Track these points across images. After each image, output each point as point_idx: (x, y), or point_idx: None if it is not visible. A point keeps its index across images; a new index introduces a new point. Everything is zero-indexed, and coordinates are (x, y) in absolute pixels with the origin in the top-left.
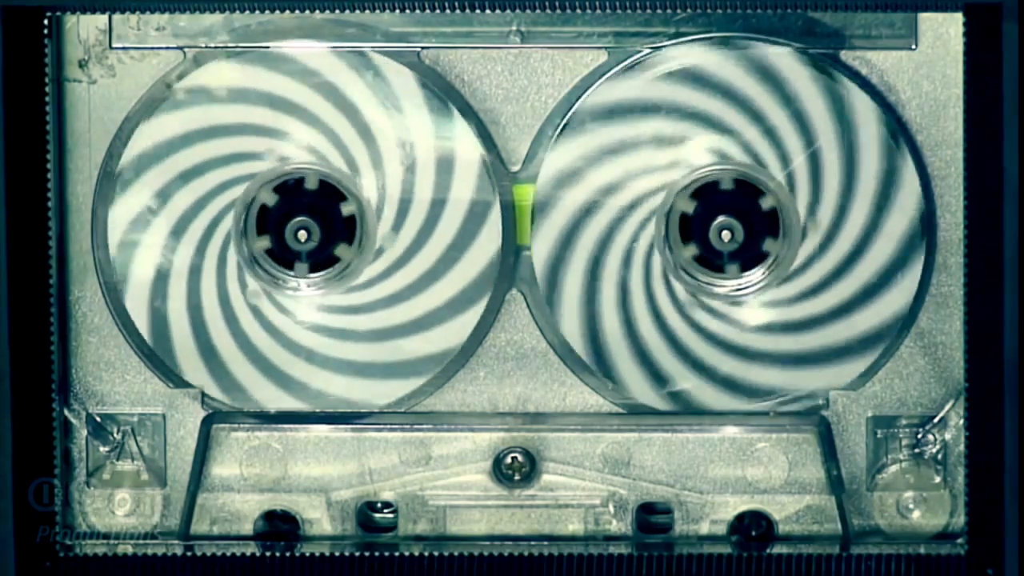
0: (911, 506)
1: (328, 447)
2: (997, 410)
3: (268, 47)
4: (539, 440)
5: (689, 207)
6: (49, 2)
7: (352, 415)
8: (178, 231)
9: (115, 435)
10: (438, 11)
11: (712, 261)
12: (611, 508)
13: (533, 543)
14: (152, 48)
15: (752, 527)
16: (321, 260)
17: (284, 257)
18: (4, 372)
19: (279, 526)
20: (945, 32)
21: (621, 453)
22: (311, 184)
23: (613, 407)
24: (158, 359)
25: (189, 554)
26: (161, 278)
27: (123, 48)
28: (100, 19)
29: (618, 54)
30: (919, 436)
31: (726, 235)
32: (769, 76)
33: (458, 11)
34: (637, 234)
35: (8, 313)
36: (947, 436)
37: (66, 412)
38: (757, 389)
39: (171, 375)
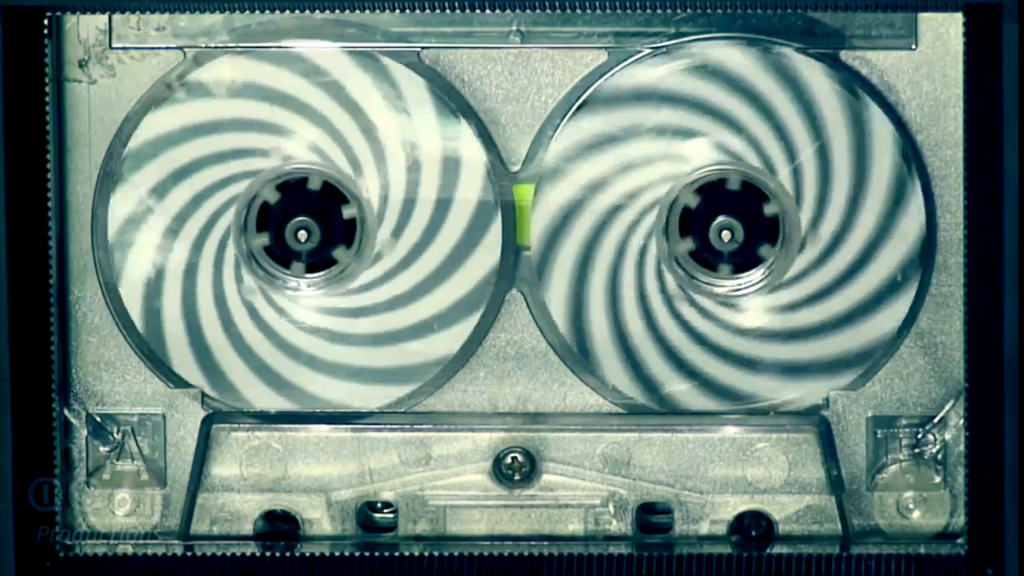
0: (911, 506)
1: (328, 447)
2: (997, 410)
3: (268, 47)
4: (539, 440)
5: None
6: (49, 2)
7: (352, 415)
8: (178, 231)
9: (115, 435)
10: (438, 11)
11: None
12: (611, 508)
13: (533, 543)
14: (152, 48)
15: (752, 527)
16: (319, 261)
17: (282, 256)
18: (4, 372)
19: (279, 526)
20: (945, 32)
21: (621, 453)
22: (314, 184)
23: (613, 407)
24: (158, 359)
25: (189, 554)
26: (161, 278)
27: (123, 48)
28: (100, 19)
29: (618, 54)
30: (919, 436)
31: (726, 235)
32: (779, 76)
33: (458, 11)
34: (646, 234)
35: (8, 313)
36: (947, 436)
37: (66, 412)
38: (753, 393)
39: (171, 375)
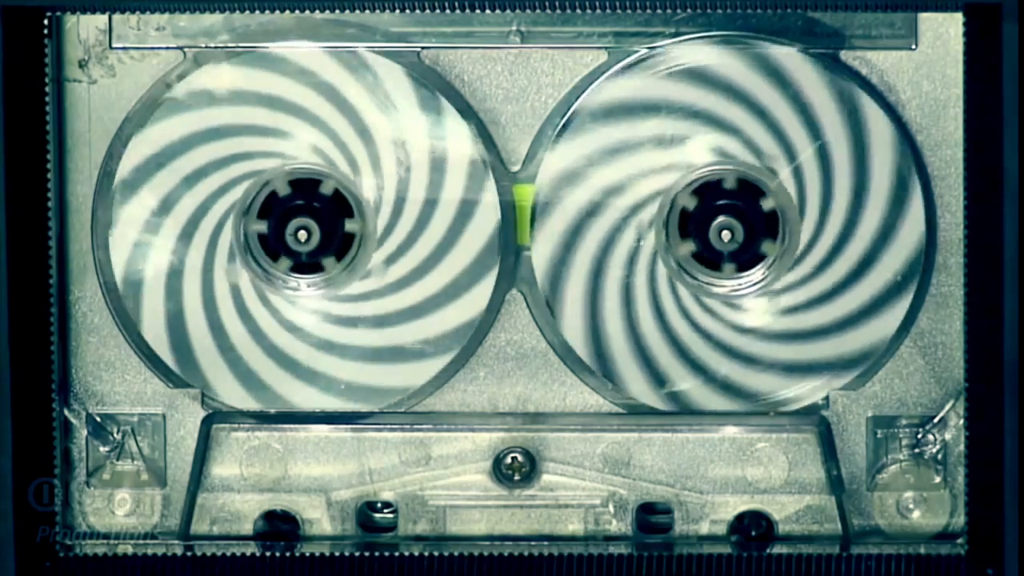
0: (911, 506)
1: (328, 447)
2: (997, 410)
3: (268, 47)
4: (539, 440)
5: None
6: (49, 2)
7: (352, 415)
8: (178, 230)
9: (115, 435)
10: (438, 11)
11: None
12: (611, 508)
13: (533, 543)
14: (152, 48)
15: (752, 527)
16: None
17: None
18: (4, 372)
19: (279, 526)
20: (945, 32)
21: (621, 453)
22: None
23: (613, 407)
24: (158, 359)
25: (189, 554)
26: (162, 278)
27: (123, 48)
28: (100, 19)
29: (618, 54)
30: (919, 436)
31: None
32: (776, 77)
33: (458, 11)
34: (641, 234)
35: (8, 313)
36: (947, 436)
37: (66, 412)
38: (757, 390)
39: (171, 375)
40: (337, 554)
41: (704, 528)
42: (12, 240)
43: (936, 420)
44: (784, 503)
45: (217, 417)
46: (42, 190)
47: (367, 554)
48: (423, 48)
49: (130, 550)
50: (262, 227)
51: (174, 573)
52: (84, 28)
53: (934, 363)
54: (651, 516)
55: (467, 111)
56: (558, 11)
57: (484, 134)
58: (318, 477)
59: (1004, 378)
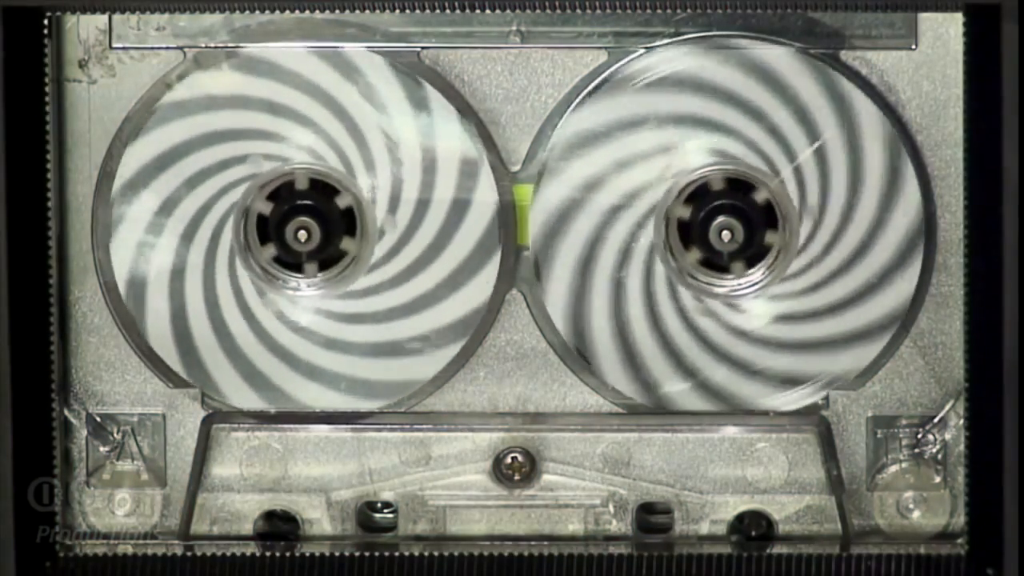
0: (911, 506)
1: (328, 447)
2: (997, 410)
3: (268, 47)
4: (539, 440)
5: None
6: (49, 2)
7: (352, 415)
8: (178, 230)
9: (115, 435)
10: (438, 11)
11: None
12: (611, 508)
13: (533, 543)
14: (152, 48)
15: (752, 527)
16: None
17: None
18: (4, 372)
19: (279, 526)
20: (945, 32)
21: (621, 453)
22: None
23: (613, 407)
24: (158, 359)
25: (189, 554)
26: (162, 278)
27: (123, 48)
28: (100, 19)
29: (618, 54)
30: (919, 436)
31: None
32: (768, 77)
33: (458, 11)
34: (637, 234)
35: (8, 313)
36: (947, 436)
37: (66, 412)
38: (755, 391)
39: (171, 375)
40: (337, 554)
41: (704, 528)
42: (12, 240)
43: (936, 420)
44: (784, 503)
45: (217, 417)
46: (42, 190)
47: (367, 554)
48: (423, 48)
49: (130, 550)
50: (271, 250)
51: (174, 573)
52: (84, 28)
53: (934, 363)
54: (651, 516)
55: (467, 111)
56: (558, 11)
57: (484, 134)
58: (318, 477)
59: (1004, 378)
